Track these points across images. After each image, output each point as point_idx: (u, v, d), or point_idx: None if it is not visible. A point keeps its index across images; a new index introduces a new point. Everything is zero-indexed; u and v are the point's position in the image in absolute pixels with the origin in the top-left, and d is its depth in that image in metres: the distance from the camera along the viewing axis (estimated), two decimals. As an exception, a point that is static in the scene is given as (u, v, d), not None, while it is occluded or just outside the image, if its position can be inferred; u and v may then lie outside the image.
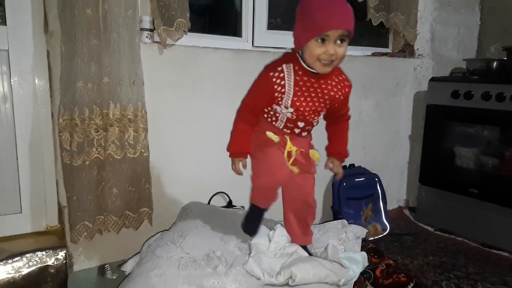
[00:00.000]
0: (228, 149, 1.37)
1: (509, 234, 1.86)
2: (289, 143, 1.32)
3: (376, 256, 1.56)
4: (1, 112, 1.44)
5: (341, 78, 1.30)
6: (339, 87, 1.29)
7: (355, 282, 1.40)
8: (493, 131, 2.04)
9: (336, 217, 1.96)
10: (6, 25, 1.38)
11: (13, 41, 1.39)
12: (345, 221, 1.71)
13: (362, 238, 1.65)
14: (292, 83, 1.23)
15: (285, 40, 1.86)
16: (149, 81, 1.51)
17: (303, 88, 1.24)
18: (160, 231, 1.54)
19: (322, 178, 2.06)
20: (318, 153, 1.37)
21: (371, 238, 1.94)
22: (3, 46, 1.39)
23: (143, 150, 1.50)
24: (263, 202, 1.46)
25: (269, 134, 1.32)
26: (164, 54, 1.57)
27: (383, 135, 2.27)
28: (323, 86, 1.26)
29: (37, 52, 1.43)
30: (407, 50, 2.33)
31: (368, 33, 2.34)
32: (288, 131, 1.34)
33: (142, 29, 1.52)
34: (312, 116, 1.30)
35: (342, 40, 1.15)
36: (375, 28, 2.13)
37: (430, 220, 2.19)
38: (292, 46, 1.24)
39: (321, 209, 2.11)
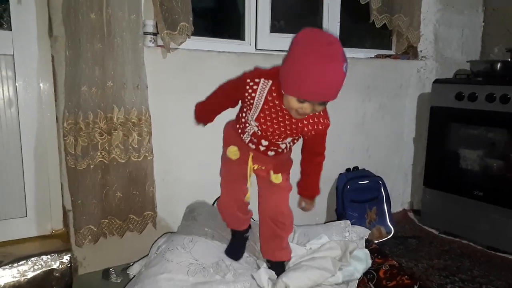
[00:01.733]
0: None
1: (515, 237, 1.85)
2: (250, 162, 1.32)
3: (379, 257, 1.55)
4: (6, 116, 1.45)
5: (317, 114, 1.21)
6: (311, 121, 1.21)
7: (358, 283, 1.40)
8: (498, 133, 2.03)
9: (340, 220, 1.95)
10: (11, 30, 1.39)
11: (18, 46, 1.41)
12: (348, 222, 1.71)
13: (366, 239, 1.65)
14: (262, 100, 1.18)
15: (288, 43, 1.85)
16: (153, 85, 1.52)
17: (272, 110, 1.19)
18: (168, 232, 1.54)
19: (326, 180, 2.06)
20: (280, 178, 1.34)
21: (376, 241, 1.93)
22: (8, 51, 1.40)
23: (147, 154, 1.51)
24: (231, 223, 1.48)
25: (230, 150, 1.33)
26: (168, 58, 1.58)
27: (386, 138, 2.26)
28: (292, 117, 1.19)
29: (41, 57, 1.44)
30: (410, 52, 2.32)
31: (371, 35, 2.34)
32: (253, 146, 1.31)
33: (145, 33, 1.52)
34: (276, 138, 1.25)
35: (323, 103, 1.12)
36: (378, 30, 2.13)
37: (434, 223, 2.18)
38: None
39: (325, 211, 2.11)
